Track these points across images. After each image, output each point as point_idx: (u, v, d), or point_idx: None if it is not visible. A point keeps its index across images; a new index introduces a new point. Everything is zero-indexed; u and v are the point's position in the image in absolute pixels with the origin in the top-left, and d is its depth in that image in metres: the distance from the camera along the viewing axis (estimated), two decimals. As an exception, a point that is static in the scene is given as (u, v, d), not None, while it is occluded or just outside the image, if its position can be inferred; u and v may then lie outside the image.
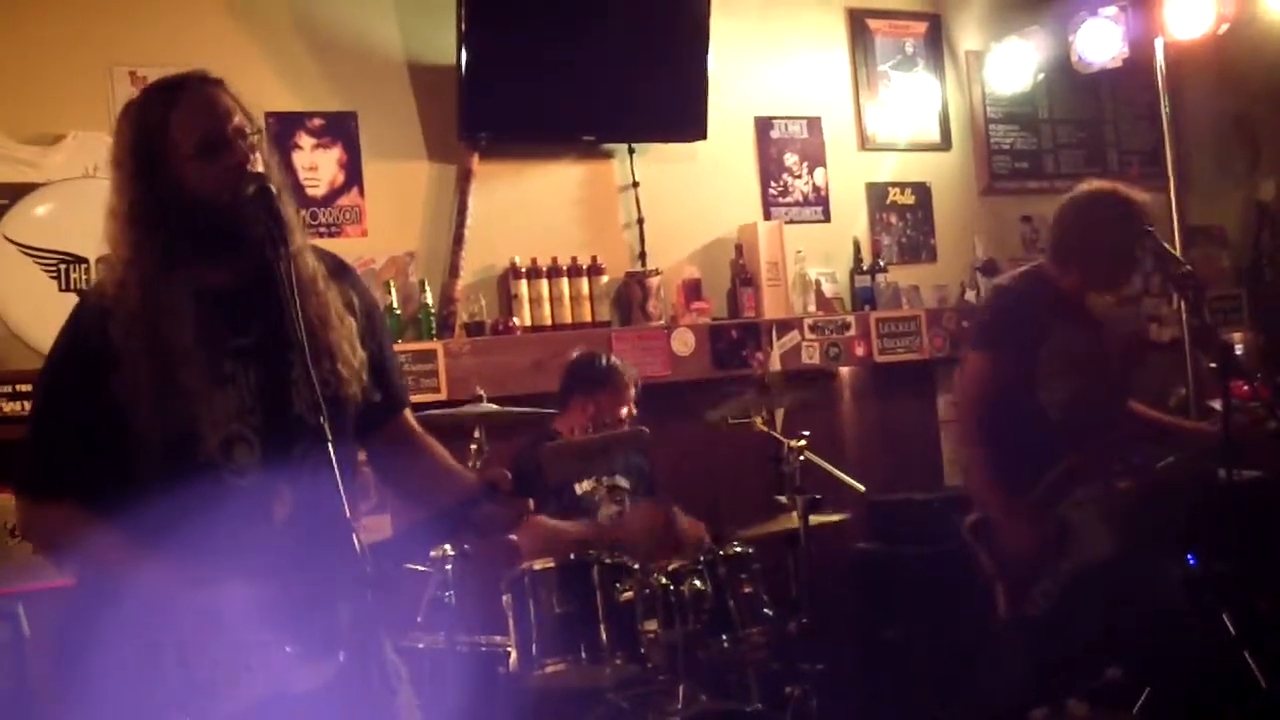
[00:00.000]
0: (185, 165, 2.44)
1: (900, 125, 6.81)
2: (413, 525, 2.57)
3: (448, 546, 4.09)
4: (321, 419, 2.28)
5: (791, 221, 6.38)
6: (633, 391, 4.96)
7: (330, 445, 2.24)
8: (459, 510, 2.56)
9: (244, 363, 2.50)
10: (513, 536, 2.72)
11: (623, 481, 4.97)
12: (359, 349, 2.61)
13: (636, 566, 4.16)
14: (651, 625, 4.09)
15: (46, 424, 2.51)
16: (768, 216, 6.36)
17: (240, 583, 2.35)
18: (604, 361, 4.97)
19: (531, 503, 2.55)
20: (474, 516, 2.53)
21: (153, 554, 2.37)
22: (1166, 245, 4.46)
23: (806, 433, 4.74)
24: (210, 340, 2.46)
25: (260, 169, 2.47)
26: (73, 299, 2.59)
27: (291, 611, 2.36)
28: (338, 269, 2.70)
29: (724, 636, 4.23)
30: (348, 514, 2.21)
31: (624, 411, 4.93)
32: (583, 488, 4.87)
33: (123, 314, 2.43)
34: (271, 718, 2.35)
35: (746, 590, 4.30)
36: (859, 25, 6.73)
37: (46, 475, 2.49)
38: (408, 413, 2.87)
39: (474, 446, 4.39)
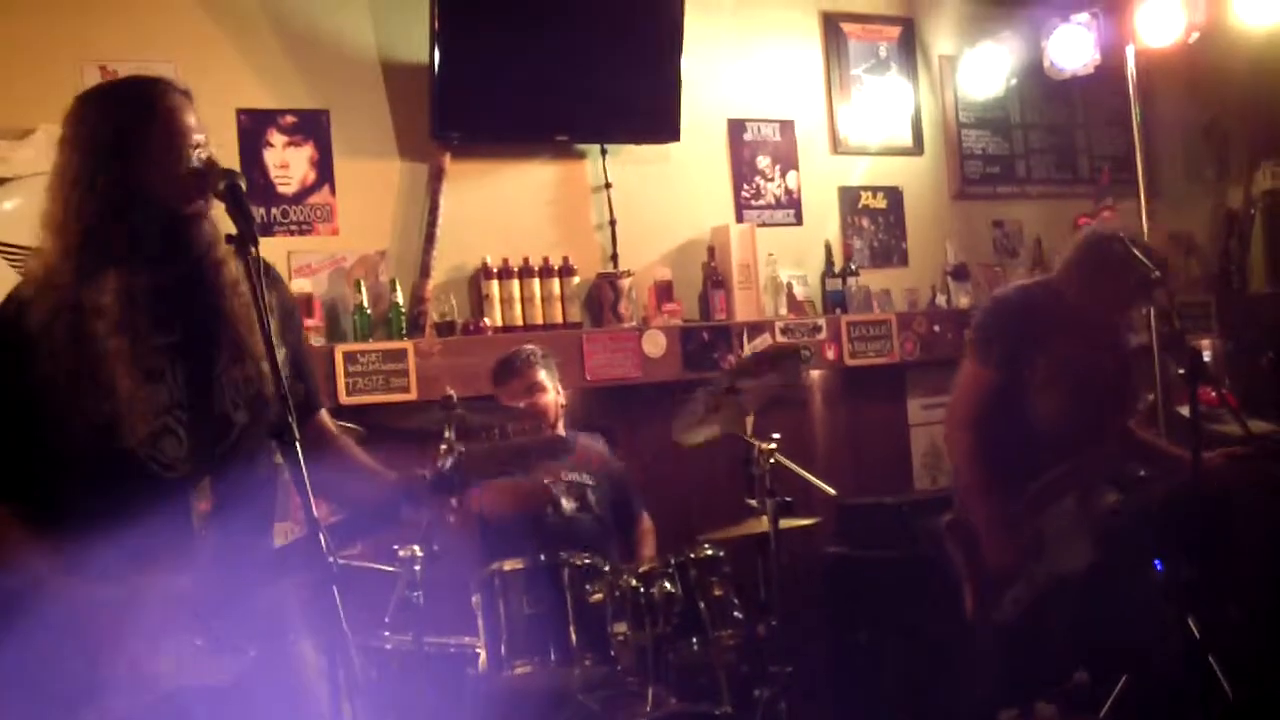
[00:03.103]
0: (149, 171, 2.47)
1: (873, 129, 6.82)
2: (334, 523, 2.59)
3: (416, 548, 4.07)
4: (246, 419, 2.35)
5: (763, 224, 6.39)
6: (541, 373, 4.87)
7: (250, 443, 2.36)
8: (379, 512, 2.62)
9: (172, 359, 2.53)
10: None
11: (586, 478, 4.96)
12: (279, 347, 2.63)
13: (607, 569, 4.15)
14: (621, 627, 4.10)
15: None
16: (740, 219, 6.36)
17: (155, 576, 2.38)
18: (507, 354, 4.93)
19: (455, 502, 2.60)
20: (394, 517, 2.60)
21: (64, 559, 2.39)
22: (1169, 308, 4.46)
23: (777, 435, 4.74)
24: (135, 335, 2.48)
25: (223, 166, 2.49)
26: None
27: (204, 606, 2.40)
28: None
29: (694, 639, 4.24)
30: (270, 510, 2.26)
31: (544, 397, 4.83)
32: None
33: (44, 305, 2.45)
34: (178, 710, 2.38)
35: (717, 593, 4.30)
36: (833, 28, 6.73)
37: None
38: (324, 414, 2.92)
39: (444, 447, 4.35)
